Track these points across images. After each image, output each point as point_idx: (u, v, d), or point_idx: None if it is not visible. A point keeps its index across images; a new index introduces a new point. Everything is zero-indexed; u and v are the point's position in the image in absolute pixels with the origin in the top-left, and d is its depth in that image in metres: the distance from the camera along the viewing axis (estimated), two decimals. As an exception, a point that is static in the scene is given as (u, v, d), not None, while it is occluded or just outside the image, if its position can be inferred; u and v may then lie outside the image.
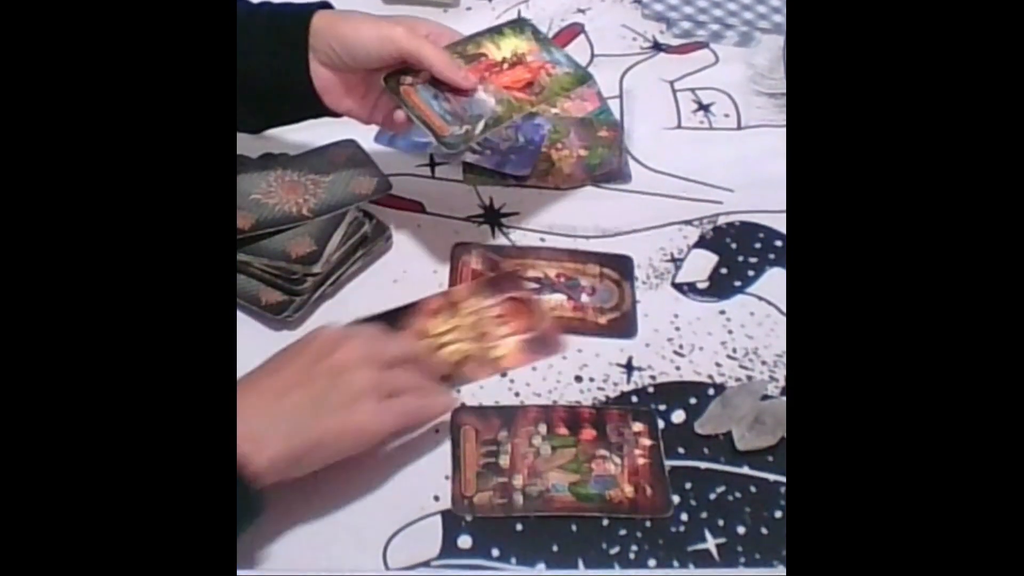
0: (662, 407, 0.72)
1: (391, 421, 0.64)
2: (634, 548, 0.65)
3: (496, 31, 0.76)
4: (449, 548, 0.64)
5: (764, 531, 0.66)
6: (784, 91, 0.97)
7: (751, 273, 0.82)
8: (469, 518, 0.65)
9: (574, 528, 0.66)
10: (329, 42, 0.71)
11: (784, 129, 0.91)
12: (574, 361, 0.75)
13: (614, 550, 0.65)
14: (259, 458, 0.58)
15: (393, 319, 0.73)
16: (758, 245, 0.84)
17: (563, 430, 0.70)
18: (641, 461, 0.69)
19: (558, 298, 0.79)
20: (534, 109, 0.74)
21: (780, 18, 1.07)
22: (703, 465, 0.69)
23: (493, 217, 0.85)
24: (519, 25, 0.77)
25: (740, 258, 0.83)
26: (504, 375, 0.74)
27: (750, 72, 1.00)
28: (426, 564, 0.63)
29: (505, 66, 0.74)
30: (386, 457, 0.68)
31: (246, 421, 0.55)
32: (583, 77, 0.76)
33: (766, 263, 0.83)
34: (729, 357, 0.76)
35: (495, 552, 0.64)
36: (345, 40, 0.71)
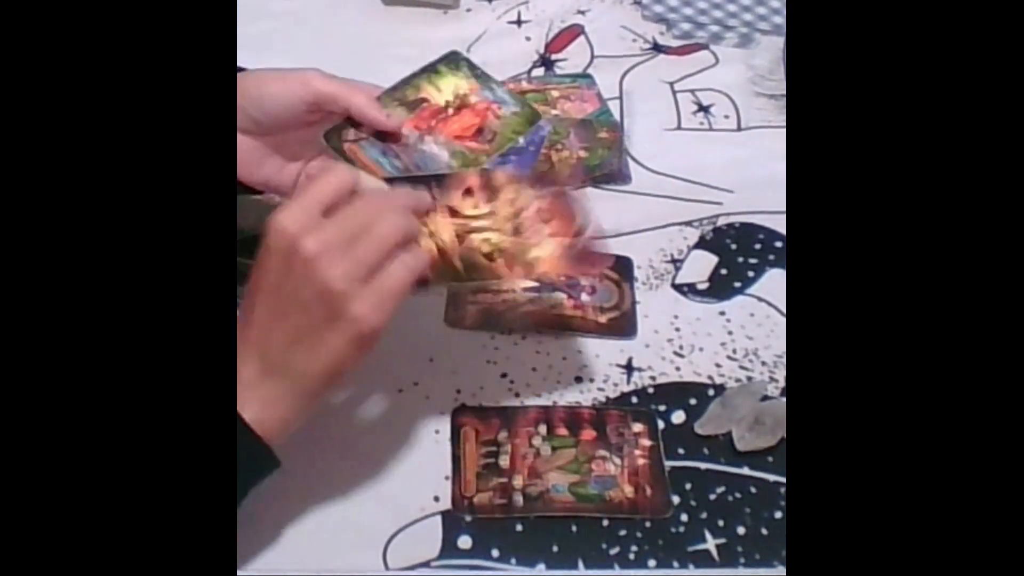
0: (662, 408, 0.72)
1: (387, 304, 0.57)
2: (634, 548, 0.65)
3: (431, 70, 0.72)
4: (449, 548, 0.64)
5: (764, 531, 0.66)
6: (784, 92, 0.97)
7: (751, 274, 0.82)
8: (469, 518, 0.66)
9: (574, 528, 0.66)
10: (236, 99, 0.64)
11: (784, 130, 0.91)
12: (574, 362, 0.75)
13: (614, 550, 0.65)
14: (272, 423, 0.58)
15: (425, 185, 0.64)
16: (758, 246, 0.84)
17: (563, 431, 0.70)
18: (641, 462, 0.69)
19: (558, 296, 0.79)
20: (488, 161, 0.68)
21: (780, 19, 1.07)
22: (703, 466, 0.69)
23: (493, 218, 0.85)
24: (453, 61, 0.72)
25: (740, 259, 0.83)
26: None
27: (750, 73, 1.00)
28: (426, 564, 0.63)
29: (450, 111, 0.70)
30: (386, 457, 0.68)
31: (248, 386, 0.56)
32: (532, 116, 0.71)
33: (766, 264, 0.83)
34: (729, 358, 0.76)
35: (495, 552, 0.64)
36: (250, 92, 0.65)
